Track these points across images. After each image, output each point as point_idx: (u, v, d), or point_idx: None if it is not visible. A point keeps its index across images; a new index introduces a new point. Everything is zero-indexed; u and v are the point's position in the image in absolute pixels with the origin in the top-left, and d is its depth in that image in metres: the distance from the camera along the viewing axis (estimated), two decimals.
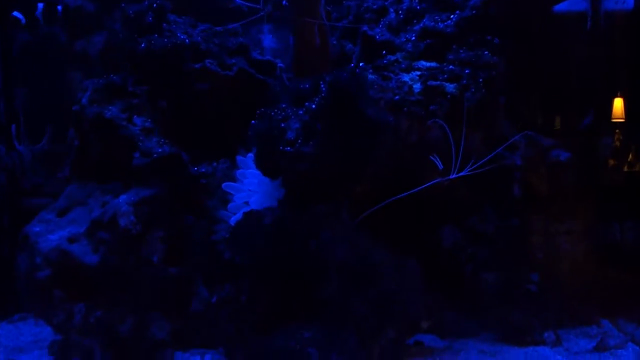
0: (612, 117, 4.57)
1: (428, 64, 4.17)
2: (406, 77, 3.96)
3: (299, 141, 3.49)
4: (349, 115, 3.45)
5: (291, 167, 3.49)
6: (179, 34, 4.29)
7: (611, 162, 4.54)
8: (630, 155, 4.57)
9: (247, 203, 3.89)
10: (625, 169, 4.56)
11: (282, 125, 3.58)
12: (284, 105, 3.84)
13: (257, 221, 3.60)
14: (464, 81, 4.03)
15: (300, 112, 3.58)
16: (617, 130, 4.58)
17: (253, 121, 3.66)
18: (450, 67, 4.11)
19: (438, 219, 4.15)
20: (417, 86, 3.91)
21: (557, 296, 4.00)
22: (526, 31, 4.46)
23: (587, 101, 4.84)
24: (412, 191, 3.60)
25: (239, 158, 4.08)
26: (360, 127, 3.46)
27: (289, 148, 3.47)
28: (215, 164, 4.14)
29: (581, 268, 4.13)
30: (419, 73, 4.03)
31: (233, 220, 3.80)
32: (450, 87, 3.95)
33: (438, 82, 3.94)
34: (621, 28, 4.74)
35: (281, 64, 4.51)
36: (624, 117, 4.63)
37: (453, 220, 4.19)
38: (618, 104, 4.66)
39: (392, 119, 3.59)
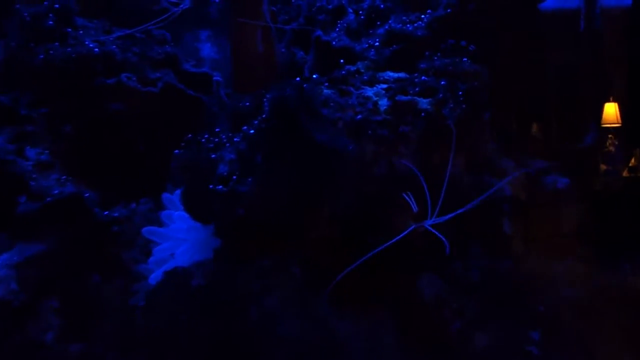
0: (602, 122, 4.31)
1: (396, 75, 3.50)
2: (370, 92, 3.28)
3: (234, 177, 2.77)
4: (297, 142, 2.76)
5: (225, 212, 2.77)
6: (87, 42, 3.54)
7: (603, 167, 4.33)
8: (633, 160, 4.35)
9: (173, 255, 3.15)
10: (625, 174, 4.37)
11: (213, 156, 2.86)
12: (218, 130, 3.13)
13: (182, 281, 2.86)
14: (440, 95, 3.37)
15: (237, 138, 2.87)
16: (610, 136, 4.32)
17: (177, 150, 2.94)
18: (423, 78, 3.45)
19: (415, 267, 3.45)
20: (383, 102, 3.23)
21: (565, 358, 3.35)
22: (512, 33, 3.84)
23: (586, 113, 4.26)
24: (381, 248, 2.91)
25: (165, 196, 3.34)
26: (312, 157, 2.77)
27: (221, 187, 2.75)
28: (134, 205, 3.39)
29: (591, 320, 3.49)
30: (385, 86, 3.36)
31: (153, 280, 3.05)
32: (424, 102, 3.29)
33: (409, 97, 3.27)
34: (619, 28, 4.18)
35: (218, 78, 3.79)
36: (619, 121, 4.34)
37: (433, 267, 3.50)
38: (610, 109, 4.39)
39: (353, 146, 2.90)
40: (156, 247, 3.16)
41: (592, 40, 4.09)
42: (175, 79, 3.69)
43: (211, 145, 2.94)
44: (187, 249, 3.08)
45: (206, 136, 3.02)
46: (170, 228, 3.22)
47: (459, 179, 3.37)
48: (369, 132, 3.05)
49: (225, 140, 2.91)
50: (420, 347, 3.29)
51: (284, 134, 2.72)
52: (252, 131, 2.77)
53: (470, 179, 3.65)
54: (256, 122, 2.76)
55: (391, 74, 3.52)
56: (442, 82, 3.44)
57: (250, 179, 2.73)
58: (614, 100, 4.32)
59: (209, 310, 2.74)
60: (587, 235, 3.77)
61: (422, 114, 3.24)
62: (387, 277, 3.35)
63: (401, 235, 2.97)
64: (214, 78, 3.74)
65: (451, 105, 3.36)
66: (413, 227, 3.05)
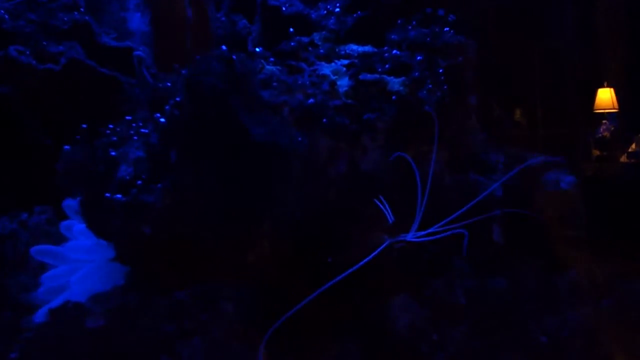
0: (596, 107, 4.28)
1: (361, 49, 2.84)
2: (327, 69, 2.61)
3: (138, 183, 2.08)
4: (225, 134, 2.08)
5: (125, 230, 2.08)
6: None
7: (596, 152, 4.32)
8: (634, 145, 4.32)
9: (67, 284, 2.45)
10: (623, 159, 4.31)
11: (113, 153, 2.17)
12: (129, 118, 2.43)
13: (73, 322, 2.17)
14: (416, 73, 2.72)
15: (145, 129, 2.18)
16: (603, 121, 4.28)
17: (67, 146, 2.24)
18: (395, 52, 2.79)
19: (385, 287, 2.80)
20: (343, 82, 2.57)
21: None
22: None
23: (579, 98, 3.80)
24: (345, 273, 2.27)
25: (67, 203, 2.64)
26: (245, 154, 2.09)
27: (119, 196, 2.06)
28: (25, 215, 2.68)
29: (607, 354, 2.89)
30: (346, 62, 2.69)
31: (38, 318, 2.35)
32: (395, 82, 2.63)
33: (376, 76, 2.61)
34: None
35: (140, 53, 3.08)
36: (615, 107, 4.28)
37: (408, 286, 2.85)
38: (604, 94, 4.21)
39: (302, 139, 2.24)
40: (46, 273, 2.46)
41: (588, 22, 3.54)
42: (83, 54, 2.97)
43: (114, 138, 2.24)
44: (84, 276, 2.39)
45: (110, 127, 2.31)
46: (66, 246, 2.52)
47: (439, 178, 2.72)
48: (324, 120, 2.37)
49: (132, 134, 2.22)
50: None
51: (207, 124, 2.04)
52: (162, 120, 2.08)
53: (452, 178, 3.02)
54: (168, 107, 2.07)
55: (355, 47, 2.85)
56: (418, 58, 2.78)
57: (160, 185, 2.04)
58: (608, 86, 4.15)
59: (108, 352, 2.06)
60: (596, 243, 3.17)
61: (393, 97, 2.58)
62: (349, 303, 2.69)
63: (373, 255, 2.32)
64: (134, 53, 3.03)
65: (429, 87, 2.71)
66: (387, 243, 2.40)
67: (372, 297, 2.78)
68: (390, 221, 2.39)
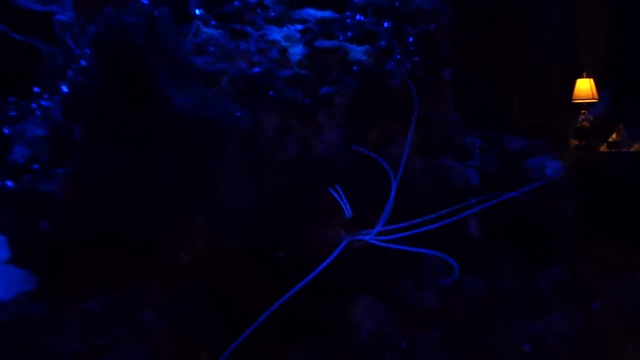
0: (574, 97, 4.24)
1: (320, 14, 2.46)
2: (277, 35, 2.23)
3: (35, 167, 1.68)
4: (141, 106, 1.69)
5: (18, 224, 1.68)
6: None
7: (575, 142, 4.30)
8: (615, 135, 4.20)
9: None
10: (603, 149, 4.28)
11: (6, 131, 1.77)
12: (38, 90, 2.02)
13: None
14: (382, 42, 2.35)
15: (46, 102, 1.78)
16: (583, 111, 4.25)
17: None
18: (359, 17, 2.41)
19: (347, 288, 2.45)
20: (296, 50, 2.19)
21: None
22: None
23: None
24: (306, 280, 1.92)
25: None
26: (172, 132, 1.70)
27: (10, 183, 1.66)
28: None
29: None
30: (300, 27, 2.31)
31: None
32: (358, 51, 2.26)
33: (336, 43, 2.23)
34: None
35: (62, 17, 2.66)
36: (595, 97, 4.25)
37: (373, 287, 2.50)
38: (583, 84, 4.08)
39: (243, 115, 1.86)
40: None
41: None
42: None
43: (13, 113, 1.83)
44: None
45: (11, 100, 1.91)
46: None
47: (408, 164, 2.37)
48: (271, 93, 1.99)
49: (34, 107, 1.81)
50: None
51: (119, 93, 1.64)
52: (65, 89, 1.68)
53: (423, 162, 2.67)
54: (70, 73, 1.67)
55: (312, 11, 2.47)
56: (386, 25, 2.42)
57: (62, 170, 1.64)
58: (587, 76, 4.05)
59: None
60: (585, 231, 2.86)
61: (355, 67, 2.21)
62: (306, 307, 2.33)
63: (330, 259, 1.96)
64: (55, 17, 2.60)
65: (397, 57, 2.34)
66: (345, 242, 2.04)
67: (332, 299, 2.43)
68: (348, 215, 2.04)
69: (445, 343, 2.50)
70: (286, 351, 2.28)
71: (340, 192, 2.00)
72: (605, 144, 4.48)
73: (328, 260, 1.99)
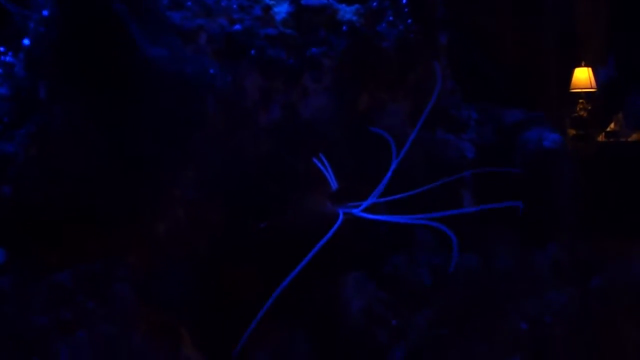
0: (572, 87, 4.21)
1: None
2: None
3: None
4: (117, 66, 1.55)
5: None
6: None
7: (572, 132, 4.28)
8: (613, 125, 4.19)
9: None
10: (601, 138, 4.28)
11: None
12: (2, 50, 1.88)
13: None
14: (374, 3, 2.22)
15: (8, 58, 1.65)
16: (580, 100, 4.20)
17: None
18: None
19: (336, 266, 2.34)
20: (282, 8, 2.06)
21: None
22: None
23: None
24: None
25: None
26: (140, 87, 1.57)
27: None
28: None
29: (591, 340, 2.48)
30: None
31: None
32: (348, 11, 2.13)
33: (324, 1, 2.10)
34: None
35: None
36: (593, 86, 4.20)
37: (362, 262, 2.39)
38: (581, 73, 4.24)
39: (222, 75, 1.74)
40: None
41: None
42: None
43: None
44: None
45: None
46: None
47: (399, 133, 2.24)
48: (252, 52, 1.86)
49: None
50: None
51: (85, 45, 1.51)
52: (26, 42, 1.54)
53: (416, 135, 2.55)
54: (32, 24, 1.53)
55: None
56: None
57: (24, 131, 1.51)
58: (586, 65, 4.14)
59: None
60: (583, 212, 2.75)
61: (344, 27, 2.08)
62: (292, 284, 2.22)
63: (323, 241, 1.84)
64: None
65: (390, 19, 2.21)
66: (342, 219, 1.92)
67: (320, 278, 2.31)
68: (334, 187, 1.91)
69: (438, 322, 2.40)
70: (274, 330, 2.18)
71: (325, 162, 1.87)
72: (603, 134, 4.45)
73: (327, 236, 1.88)
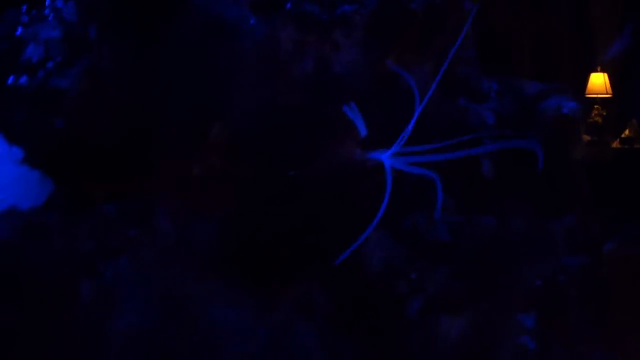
0: (588, 92, 4.02)
1: None
2: None
3: (49, 65, 1.67)
4: (163, 9, 1.66)
5: (32, 122, 1.67)
6: None
7: (587, 137, 3.99)
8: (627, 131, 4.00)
9: None
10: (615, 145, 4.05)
11: (20, 32, 1.75)
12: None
13: None
14: None
15: (60, 3, 1.76)
16: (595, 106, 4.01)
17: None
18: None
19: (357, 219, 2.43)
20: None
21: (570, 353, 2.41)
22: None
23: None
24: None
25: None
26: (183, 32, 1.68)
27: (25, 78, 1.65)
28: None
29: (601, 299, 2.56)
30: None
31: None
32: None
33: None
34: None
35: None
36: (609, 92, 4.03)
37: (383, 219, 2.48)
38: (597, 79, 4.06)
39: (260, 26, 1.84)
40: None
41: None
42: None
43: (25, 19, 1.81)
44: None
45: (24, 8, 1.89)
46: None
47: (422, 91, 2.33)
48: (288, 6, 1.96)
49: (48, 13, 1.79)
50: (362, 337, 2.31)
51: None
52: None
53: (440, 99, 2.63)
54: None
55: None
56: None
57: (77, 68, 1.63)
58: (602, 71, 3.98)
59: (11, 284, 1.67)
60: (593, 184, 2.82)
61: None
62: (314, 235, 2.32)
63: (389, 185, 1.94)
64: None
65: None
66: (373, 158, 2.02)
67: (341, 231, 2.41)
68: (363, 133, 2.01)
69: (458, 276, 2.49)
70: (297, 278, 2.27)
71: (356, 110, 1.97)
72: (618, 140, 4.48)
73: (388, 190, 1.98)
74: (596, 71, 4.30)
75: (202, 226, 1.96)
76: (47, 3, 1.86)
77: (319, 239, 2.30)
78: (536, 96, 3.01)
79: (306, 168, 2.03)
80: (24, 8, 1.93)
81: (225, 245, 2.02)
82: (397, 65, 2.28)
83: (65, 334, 1.62)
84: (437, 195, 2.26)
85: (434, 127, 2.49)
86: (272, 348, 1.82)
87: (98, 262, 1.69)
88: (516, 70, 3.11)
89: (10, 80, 1.65)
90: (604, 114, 4.33)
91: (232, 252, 2.04)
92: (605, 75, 4.28)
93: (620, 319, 2.65)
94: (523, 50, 3.11)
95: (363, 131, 2.02)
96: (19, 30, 1.74)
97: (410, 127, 2.14)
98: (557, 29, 3.42)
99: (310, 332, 1.96)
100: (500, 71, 3.02)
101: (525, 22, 3.08)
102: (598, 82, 4.36)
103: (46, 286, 1.69)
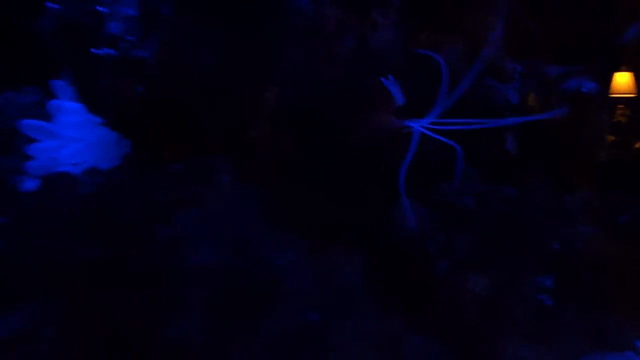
0: (612, 91, 3.89)
1: None
2: None
3: (129, 38, 1.93)
4: None
5: (114, 89, 1.93)
6: None
7: (611, 138, 3.96)
8: None
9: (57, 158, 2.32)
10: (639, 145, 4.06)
11: (100, 9, 2.01)
12: None
13: (65, 191, 2.05)
14: None
15: None
16: (619, 106, 3.95)
17: (49, 3, 2.08)
18: None
19: (390, 189, 2.65)
20: None
21: (584, 311, 2.62)
22: None
23: None
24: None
25: (57, 83, 2.49)
26: (247, 16, 1.93)
27: (106, 50, 1.91)
28: (11, 93, 2.52)
29: (616, 264, 2.76)
30: None
31: (25, 188, 2.23)
32: None
33: None
34: None
35: None
36: (634, 91, 3.99)
37: (415, 189, 2.69)
38: (622, 78, 3.96)
39: (308, 6, 2.07)
40: (35, 145, 2.32)
41: None
42: None
43: None
44: (77, 152, 2.26)
45: None
46: (58, 123, 2.38)
47: (453, 70, 2.55)
48: None
49: None
50: (394, 292, 2.55)
51: None
52: None
53: (468, 77, 2.84)
54: None
55: None
56: None
57: (153, 40, 1.89)
58: (626, 69, 3.88)
59: (97, 228, 1.93)
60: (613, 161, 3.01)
61: None
62: (354, 199, 2.56)
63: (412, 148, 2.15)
64: None
65: None
66: (418, 133, 2.24)
67: (376, 200, 2.64)
68: (400, 102, 2.24)
69: (482, 240, 2.71)
70: (334, 241, 2.50)
71: (393, 81, 2.20)
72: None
73: (410, 153, 2.19)
74: (620, 70, 4.36)
75: (257, 186, 2.21)
76: None
77: (357, 201, 2.54)
78: (559, 76, 3.20)
79: (348, 135, 2.26)
80: None
81: (277, 203, 2.26)
82: (428, 45, 2.51)
83: (143, 269, 1.88)
84: (458, 165, 2.47)
85: (463, 103, 2.71)
86: (320, 284, 2.06)
87: (170, 213, 1.94)
88: (540, 53, 3.30)
89: (94, 50, 1.90)
90: (628, 113, 4.39)
91: (283, 210, 2.29)
92: (631, 74, 4.34)
93: (633, 288, 2.84)
94: (547, 34, 3.29)
95: (400, 100, 2.25)
96: (99, 8, 2.00)
97: (440, 101, 2.36)
98: (582, 14, 3.56)
99: (353, 274, 2.20)
100: (525, 54, 3.22)
101: (551, 6, 3.26)
102: (622, 81, 4.41)
103: (126, 230, 1.95)
